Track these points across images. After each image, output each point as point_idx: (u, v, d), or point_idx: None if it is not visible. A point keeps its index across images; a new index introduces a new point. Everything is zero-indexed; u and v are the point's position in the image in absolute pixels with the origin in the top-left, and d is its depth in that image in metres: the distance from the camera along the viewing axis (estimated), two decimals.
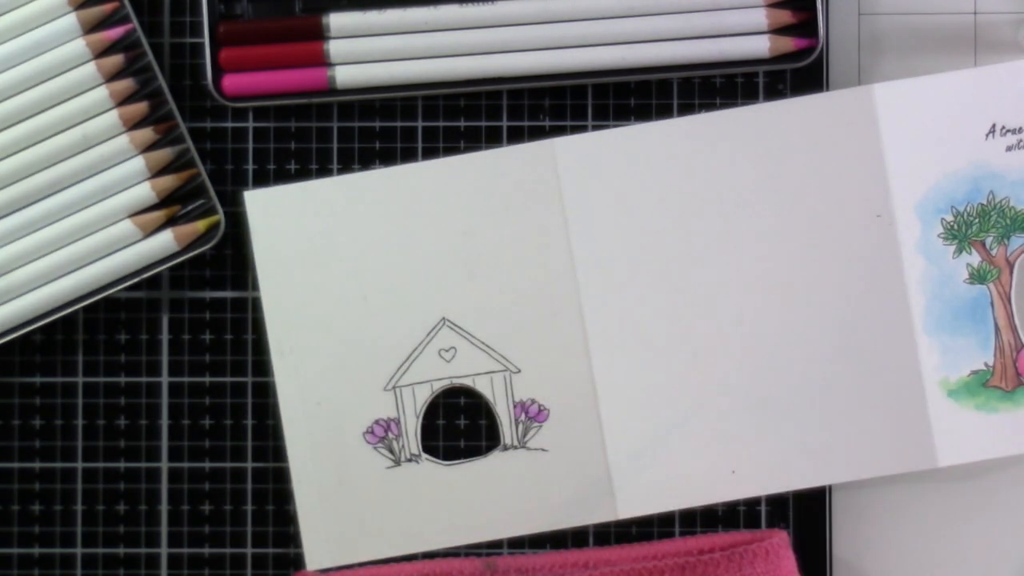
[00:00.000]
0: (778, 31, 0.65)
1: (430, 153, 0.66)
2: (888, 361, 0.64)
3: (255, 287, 0.66)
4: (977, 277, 0.64)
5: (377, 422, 0.65)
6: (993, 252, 0.65)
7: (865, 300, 0.64)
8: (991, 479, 0.66)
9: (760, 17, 0.65)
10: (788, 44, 0.65)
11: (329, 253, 0.65)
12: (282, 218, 0.65)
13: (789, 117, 0.65)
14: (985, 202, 0.64)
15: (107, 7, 0.64)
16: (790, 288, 0.64)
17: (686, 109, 0.66)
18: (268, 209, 0.65)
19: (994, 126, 0.64)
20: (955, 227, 0.64)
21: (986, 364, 0.65)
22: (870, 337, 0.64)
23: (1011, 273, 0.65)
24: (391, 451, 0.65)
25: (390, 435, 0.65)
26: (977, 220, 0.64)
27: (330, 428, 0.65)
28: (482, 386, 0.66)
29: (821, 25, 0.65)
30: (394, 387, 0.65)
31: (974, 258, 0.65)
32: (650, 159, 0.65)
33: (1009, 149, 0.64)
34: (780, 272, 0.64)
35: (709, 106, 0.66)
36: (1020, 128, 0.64)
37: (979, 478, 0.66)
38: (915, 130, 0.64)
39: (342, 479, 0.65)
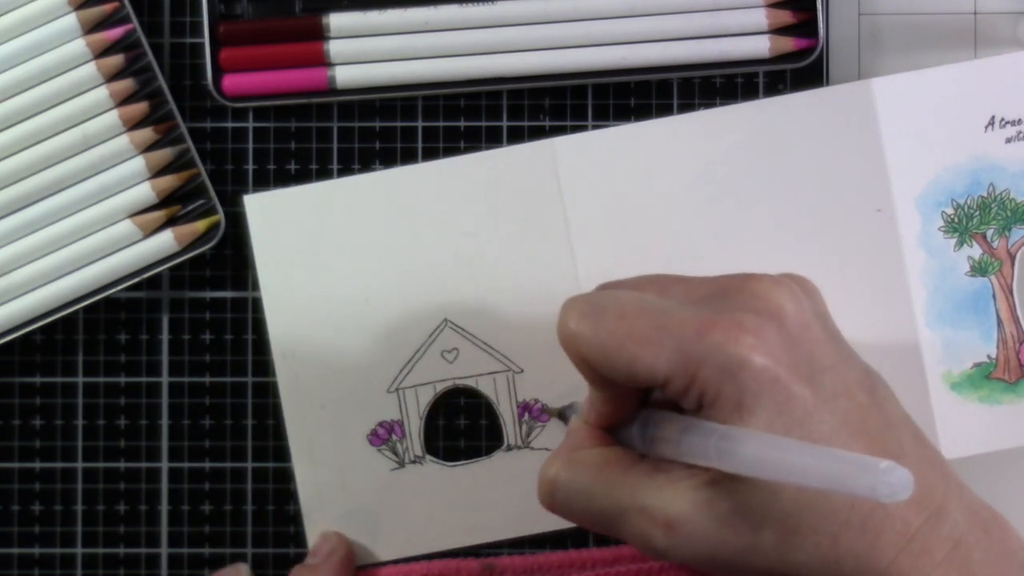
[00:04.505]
0: (778, 31, 0.65)
1: (430, 153, 0.66)
2: (890, 355, 0.64)
3: (255, 287, 0.66)
4: (978, 270, 0.64)
5: (381, 424, 0.65)
6: (994, 244, 0.64)
7: (866, 294, 0.64)
8: (994, 473, 0.66)
9: (760, 17, 0.65)
10: (788, 44, 0.65)
11: (330, 256, 0.65)
12: (282, 221, 0.65)
13: (788, 112, 0.65)
14: (985, 194, 0.64)
15: (107, 7, 0.64)
16: None
17: (686, 109, 0.66)
18: (268, 212, 0.65)
19: (993, 118, 0.64)
20: (956, 220, 0.64)
21: (989, 356, 0.64)
22: (872, 331, 0.64)
23: (1012, 265, 0.65)
24: (395, 453, 0.65)
25: (394, 437, 0.65)
26: (978, 213, 0.64)
27: (333, 431, 0.65)
28: (485, 387, 0.65)
29: (821, 25, 0.65)
30: (397, 389, 0.65)
31: (975, 251, 0.65)
32: (649, 157, 0.65)
33: (1009, 141, 0.64)
34: (781, 267, 0.64)
35: (709, 106, 0.66)
36: (1019, 120, 0.64)
37: (982, 472, 0.66)
38: (914, 124, 0.64)
39: (346, 482, 0.65)
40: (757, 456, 0.44)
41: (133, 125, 0.64)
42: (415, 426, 0.65)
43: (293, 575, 0.63)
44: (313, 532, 0.65)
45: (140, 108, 0.64)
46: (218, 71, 0.66)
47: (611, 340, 0.49)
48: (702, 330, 0.48)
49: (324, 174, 0.66)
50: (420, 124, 0.67)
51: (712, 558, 0.49)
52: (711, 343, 0.48)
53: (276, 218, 0.65)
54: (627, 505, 0.50)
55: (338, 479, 0.65)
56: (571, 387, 0.65)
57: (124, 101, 0.64)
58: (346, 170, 0.66)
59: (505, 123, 0.67)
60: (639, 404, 0.54)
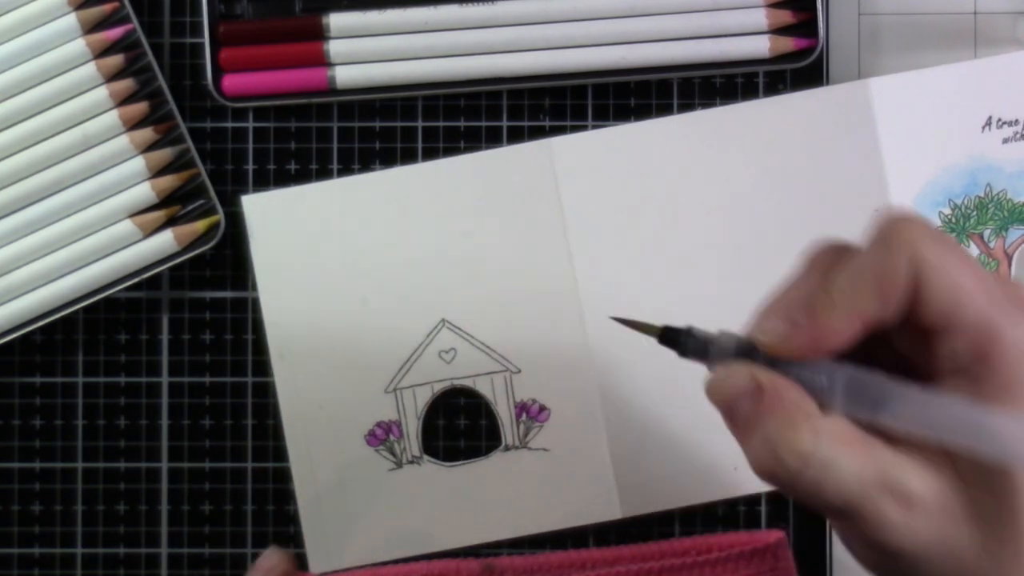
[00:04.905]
0: (778, 31, 0.65)
1: (430, 153, 0.66)
2: None
3: (255, 287, 0.66)
4: None
5: (378, 424, 0.65)
6: (991, 244, 0.64)
7: None
8: None
9: (760, 17, 0.65)
10: (788, 44, 0.65)
11: (328, 256, 0.65)
12: (280, 222, 0.65)
13: (785, 112, 0.65)
14: (982, 195, 0.64)
15: (107, 7, 0.64)
16: None
17: (686, 109, 0.66)
18: (266, 213, 0.65)
19: (990, 119, 0.64)
20: (953, 220, 0.64)
21: None
22: None
23: (1009, 265, 0.64)
24: (392, 453, 0.65)
25: (391, 437, 0.65)
26: (975, 213, 0.64)
27: (331, 431, 0.65)
28: (482, 387, 0.66)
29: (821, 25, 0.65)
30: (395, 389, 0.65)
31: (972, 251, 0.64)
32: (646, 157, 0.65)
33: (1006, 141, 0.64)
34: (779, 268, 0.64)
35: (709, 106, 0.66)
36: (1016, 120, 0.64)
37: None
38: (912, 124, 0.64)
39: (344, 482, 0.65)
40: None
41: (133, 125, 0.65)
42: (413, 426, 0.65)
43: None
44: (311, 532, 0.65)
45: (140, 108, 0.64)
46: (218, 71, 0.66)
47: (949, 259, 0.45)
48: (1016, 300, 0.45)
49: (324, 174, 0.66)
50: (420, 124, 0.67)
51: (941, 551, 0.45)
52: (1019, 316, 0.45)
53: (274, 219, 0.65)
54: (871, 479, 0.45)
55: (336, 479, 0.65)
56: (569, 388, 0.65)
57: (124, 101, 0.65)
58: (346, 170, 0.66)
59: (505, 123, 0.67)
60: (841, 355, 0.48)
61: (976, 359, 0.45)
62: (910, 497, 0.44)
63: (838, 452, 0.46)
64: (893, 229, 0.46)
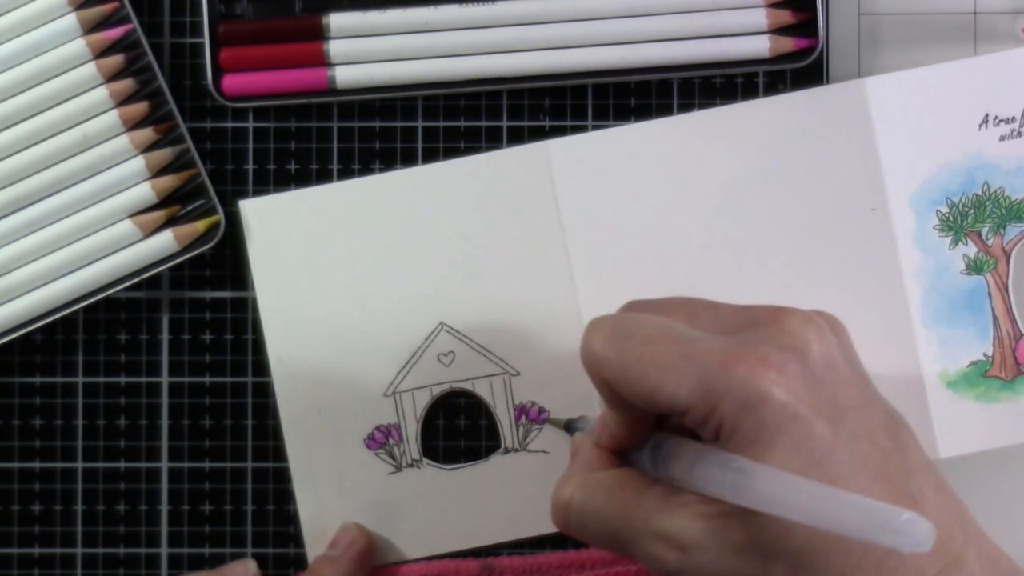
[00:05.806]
0: (778, 31, 0.65)
1: (430, 153, 0.66)
2: (887, 354, 0.64)
3: (255, 287, 0.66)
4: (974, 268, 0.64)
5: (378, 428, 0.65)
6: (989, 242, 0.64)
7: (862, 294, 0.64)
8: (992, 471, 0.66)
9: (760, 17, 0.65)
10: (788, 44, 0.65)
11: (326, 260, 0.65)
12: (278, 226, 0.65)
13: (782, 112, 0.64)
14: (980, 192, 0.64)
15: (107, 7, 0.64)
16: (787, 284, 0.64)
17: (686, 109, 0.66)
18: (264, 217, 0.65)
19: (987, 116, 0.64)
20: (950, 218, 0.64)
21: (985, 354, 0.64)
22: (868, 330, 0.63)
23: (1008, 263, 0.64)
24: (392, 457, 0.65)
25: (391, 441, 0.65)
26: (972, 211, 0.64)
27: (330, 435, 0.65)
28: (482, 390, 0.65)
29: (821, 25, 0.65)
30: (394, 393, 0.65)
31: (970, 249, 0.64)
32: (643, 158, 0.65)
33: (1002, 139, 0.64)
34: (777, 268, 0.64)
35: (709, 106, 0.66)
36: (1013, 118, 0.64)
37: (980, 470, 0.66)
38: (908, 122, 0.64)
39: (343, 486, 0.65)
40: (773, 494, 0.44)
41: (133, 125, 0.65)
42: (412, 430, 0.65)
43: (315, 564, 0.63)
44: (311, 536, 0.65)
45: (140, 108, 0.65)
46: (218, 71, 0.66)
47: (635, 365, 0.49)
48: (727, 363, 0.47)
49: (324, 174, 0.66)
50: (420, 124, 0.67)
51: None
52: (734, 377, 0.47)
53: (272, 223, 0.65)
54: (641, 528, 0.50)
55: (336, 483, 0.65)
56: (568, 390, 0.65)
57: (124, 101, 0.65)
58: (346, 170, 0.66)
59: (505, 123, 0.67)
60: (653, 428, 0.53)
61: (715, 427, 0.48)
62: (682, 542, 0.48)
63: (599, 502, 0.52)
64: (581, 352, 0.52)
